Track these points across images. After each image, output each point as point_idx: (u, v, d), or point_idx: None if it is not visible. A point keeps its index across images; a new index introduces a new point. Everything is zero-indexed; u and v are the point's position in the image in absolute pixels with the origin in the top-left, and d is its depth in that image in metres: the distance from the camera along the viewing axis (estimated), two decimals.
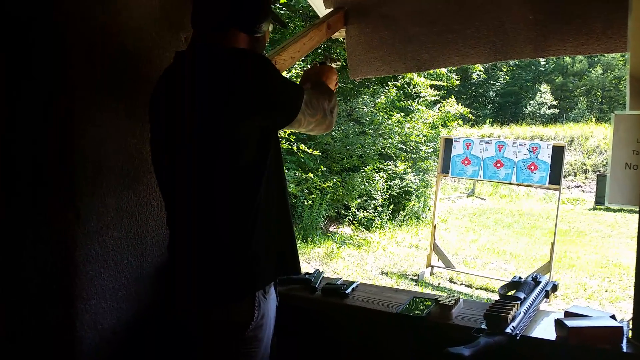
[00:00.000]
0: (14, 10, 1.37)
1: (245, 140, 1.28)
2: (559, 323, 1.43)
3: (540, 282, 1.68)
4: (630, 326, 1.43)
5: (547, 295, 1.66)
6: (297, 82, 1.54)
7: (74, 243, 1.48)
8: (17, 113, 1.41)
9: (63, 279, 1.48)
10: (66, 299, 1.48)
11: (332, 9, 2.29)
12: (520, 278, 1.72)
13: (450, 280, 6.42)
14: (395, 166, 10.33)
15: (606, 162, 14.90)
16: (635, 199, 1.39)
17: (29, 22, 1.41)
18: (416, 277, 6.42)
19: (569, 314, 1.50)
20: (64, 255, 1.47)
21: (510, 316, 1.43)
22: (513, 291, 1.64)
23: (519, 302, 1.52)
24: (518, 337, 1.38)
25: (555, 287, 1.70)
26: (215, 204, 1.31)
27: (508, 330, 1.38)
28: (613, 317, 1.44)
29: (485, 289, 6.08)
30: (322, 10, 2.37)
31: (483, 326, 1.44)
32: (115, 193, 1.59)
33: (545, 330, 1.48)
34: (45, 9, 1.42)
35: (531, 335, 1.46)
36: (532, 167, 5.92)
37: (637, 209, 1.41)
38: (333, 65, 1.73)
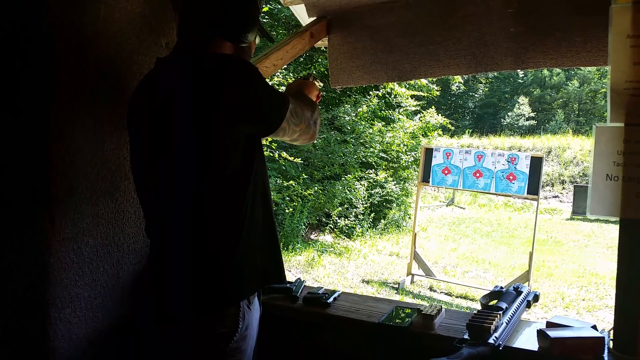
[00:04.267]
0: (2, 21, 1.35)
1: (231, 148, 1.26)
2: (541, 333, 1.43)
3: (521, 292, 1.68)
4: (611, 336, 1.44)
5: (528, 305, 1.66)
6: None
7: (48, 250, 1.43)
8: None
9: (37, 286, 1.43)
10: (40, 307, 1.44)
11: (315, 18, 2.29)
12: (501, 288, 1.73)
13: (431, 289, 6.44)
14: (376, 175, 10.38)
15: (583, 173, 15.19)
16: (616, 210, 1.40)
17: (18, 34, 1.39)
18: (397, 286, 6.43)
19: (550, 324, 1.50)
20: (38, 263, 1.43)
21: (492, 326, 1.42)
22: (495, 301, 1.64)
23: (501, 312, 1.51)
24: (501, 348, 1.38)
25: (536, 298, 1.70)
26: (201, 213, 1.28)
27: (491, 340, 1.38)
28: (594, 327, 1.45)
29: (465, 297, 6.11)
30: (305, 19, 2.37)
31: (466, 336, 1.44)
32: (91, 199, 1.55)
33: (527, 341, 1.48)
34: (34, 20, 1.39)
35: (513, 346, 1.46)
36: (511, 177, 6.00)
37: (618, 220, 1.43)
38: (315, 82, 1.73)
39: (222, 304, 1.29)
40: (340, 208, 9.39)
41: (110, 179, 1.61)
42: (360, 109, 10.61)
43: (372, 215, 10.06)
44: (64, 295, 1.48)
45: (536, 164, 5.89)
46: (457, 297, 6.16)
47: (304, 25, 2.36)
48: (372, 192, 10.25)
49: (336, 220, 9.33)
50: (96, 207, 1.57)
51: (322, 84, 1.84)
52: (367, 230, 9.71)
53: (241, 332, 1.31)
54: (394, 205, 10.81)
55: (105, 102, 1.58)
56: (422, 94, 12.30)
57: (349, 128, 10.34)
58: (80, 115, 1.51)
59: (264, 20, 9.11)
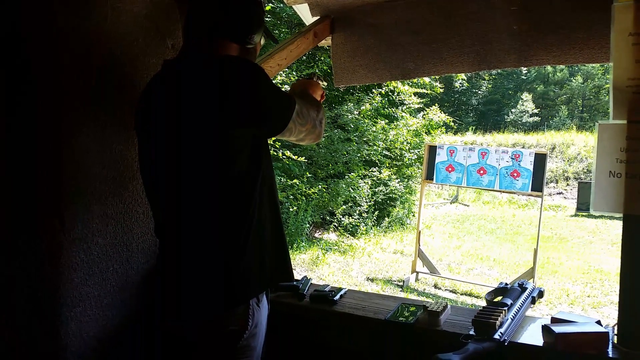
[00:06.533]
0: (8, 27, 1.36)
1: (238, 148, 1.28)
2: (546, 329, 1.44)
3: (526, 289, 1.69)
4: (616, 331, 1.45)
5: (533, 302, 1.67)
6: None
7: (59, 250, 1.45)
8: (6, 124, 1.40)
9: (48, 286, 1.45)
10: (51, 307, 1.46)
11: (318, 17, 2.30)
12: (506, 284, 1.74)
13: (435, 286, 6.45)
14: (380, 173, 10.39)
15: (587, 170, 15.15)
16: (619, 207, 1.41)
17: (24, 39, 1.40)
18: (401, 283, 6.44)
19: (555, 320, 1.51)
20: (49, 263, 1.45)
21: (498, 322, 1.44)
22: (500, 297, 1.65)
23: (506, 309, 1.53)
24: (506, 344, 1.39)
25: (541, 294, 1.72)
26: (209, 213, 1.30)
27: (496, 336, 1.39)
28: (599, 322, 1.46)
29: (470, 295, 6.12)
30: (308, 19, 2.38)
31: (471, 332, 1.45)
32: (100, 200, 1.57)
33: (532, 336, 1.50)
34: (40, 26, 1.40)
35: (519, 342, 1.47)
36: (515, 174, 5.99)
37: (621, 216, 1.44)
38: (319, 82, 1.74)
39: (231, 303, 1.31)
40: (344, 206, 9.40)
41: (118, 179, 1.63)
42: (364, 107, 10.62)
43: (376, 213, 10.07)
44: (74, 295, 1.50)
45: (540, 160, 5.88)
46: (461, 294, 6.17)
47: (307, 24, 2.38)
48: (376, 190, 10.26)
49: (340, 218, 9.34)
50: (105, 208, 1.59)
51: (325, 83, 1.85)
52: (371, 228, 9.72)
53: (251, 329, 1.33)
54: (398, 203, 10.82)
55: (113, 104, 1.60)
56: (425, 92, 12.29)
57: (352, 126, 10.35)
58: (89, 117, 1.53)
59: (266, 19, 9.12)
